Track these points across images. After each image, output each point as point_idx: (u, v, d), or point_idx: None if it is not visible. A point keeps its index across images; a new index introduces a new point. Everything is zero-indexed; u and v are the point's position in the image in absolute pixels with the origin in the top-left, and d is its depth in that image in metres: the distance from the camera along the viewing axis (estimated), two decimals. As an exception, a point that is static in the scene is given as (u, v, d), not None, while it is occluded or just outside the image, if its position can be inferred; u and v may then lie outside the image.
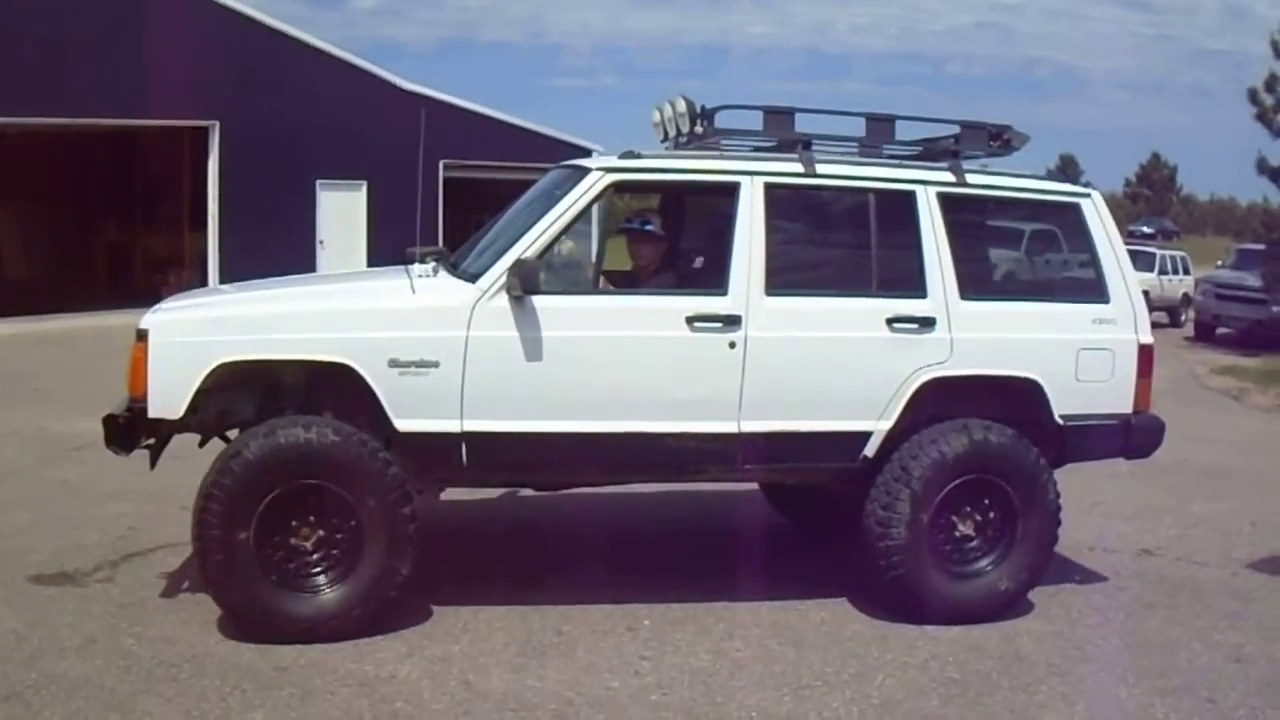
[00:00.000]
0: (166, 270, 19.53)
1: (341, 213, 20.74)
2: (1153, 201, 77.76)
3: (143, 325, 4.84)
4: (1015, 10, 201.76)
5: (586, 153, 17.49)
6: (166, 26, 17.11)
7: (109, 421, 4.83)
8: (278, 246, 17.14)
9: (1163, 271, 24.20)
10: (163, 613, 5.01)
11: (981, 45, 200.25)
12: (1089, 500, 7.36)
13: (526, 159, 19.68)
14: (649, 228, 5.57)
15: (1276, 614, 5.70)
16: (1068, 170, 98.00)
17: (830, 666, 4.64)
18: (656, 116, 5.76)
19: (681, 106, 5.48)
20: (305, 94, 19.56)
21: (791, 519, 6.78)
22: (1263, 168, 19.56)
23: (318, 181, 20.51)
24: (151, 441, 4.98)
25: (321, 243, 20.51)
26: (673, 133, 5.62)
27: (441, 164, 21.38)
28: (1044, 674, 4.72)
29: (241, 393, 4.98)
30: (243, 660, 4.48)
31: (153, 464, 5.11)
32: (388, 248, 14.03)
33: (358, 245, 20.70)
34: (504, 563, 5.96)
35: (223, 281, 16.44)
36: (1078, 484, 6.45)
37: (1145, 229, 61.38)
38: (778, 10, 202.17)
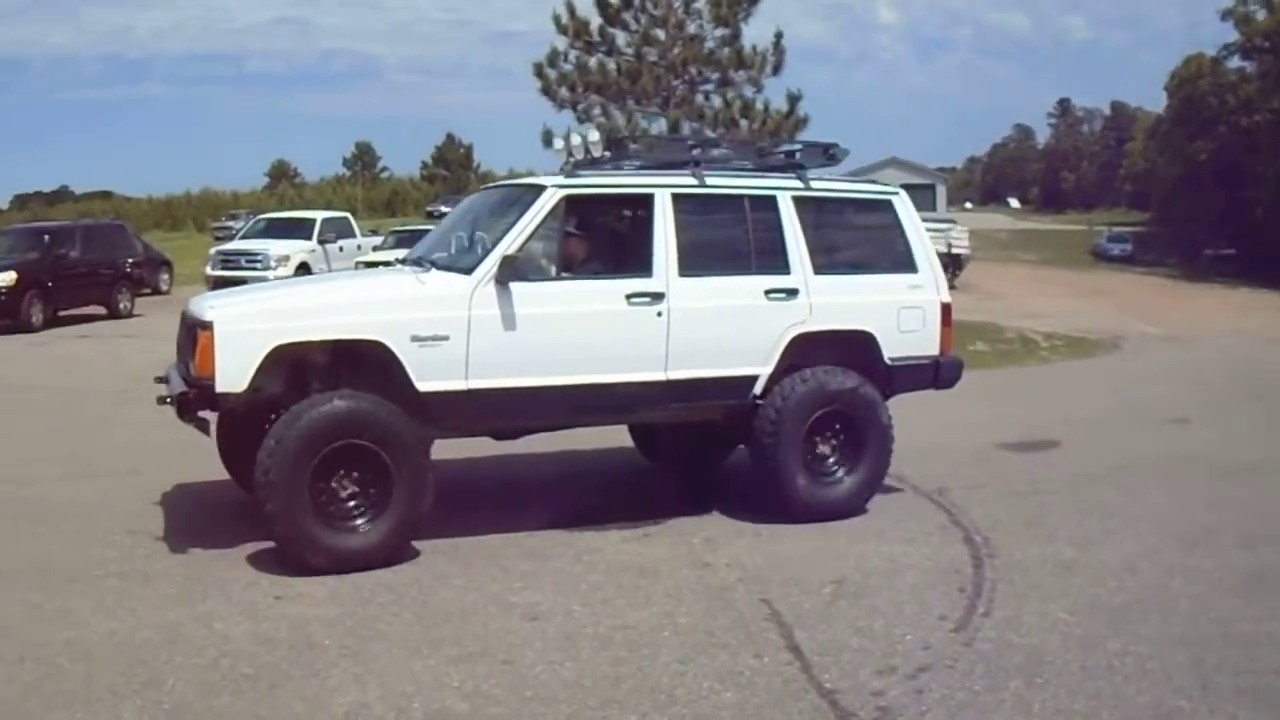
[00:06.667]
0: None
1: None
2: (450, 181, 77.40)
3: (207, 317, 5.79)
4: (313, 4, 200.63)
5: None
6: None
7: (182, 397, 5.81)
8: None
9: None
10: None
11: (280, 40, 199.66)
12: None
13: None
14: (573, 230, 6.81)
15: (570, 569, 5.93)
16: (364, 158, 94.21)
17: (120, 676, 4.50)
18: (560, 144, 7.20)
19: (594, 135, 6.98)
20: None
21: (655, 460, 8.45)
22: (547, 140, 19.11)
23: None
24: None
25: None
26: (580, 156, 7.01)
27: None
28: (336, 658, 4.70)
29: (274, 371, 5.87)
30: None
31: (206, 431, 6.20)
32: None
33: None
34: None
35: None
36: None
37: (444, 208, 55.86)
38: (76, 19, 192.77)
